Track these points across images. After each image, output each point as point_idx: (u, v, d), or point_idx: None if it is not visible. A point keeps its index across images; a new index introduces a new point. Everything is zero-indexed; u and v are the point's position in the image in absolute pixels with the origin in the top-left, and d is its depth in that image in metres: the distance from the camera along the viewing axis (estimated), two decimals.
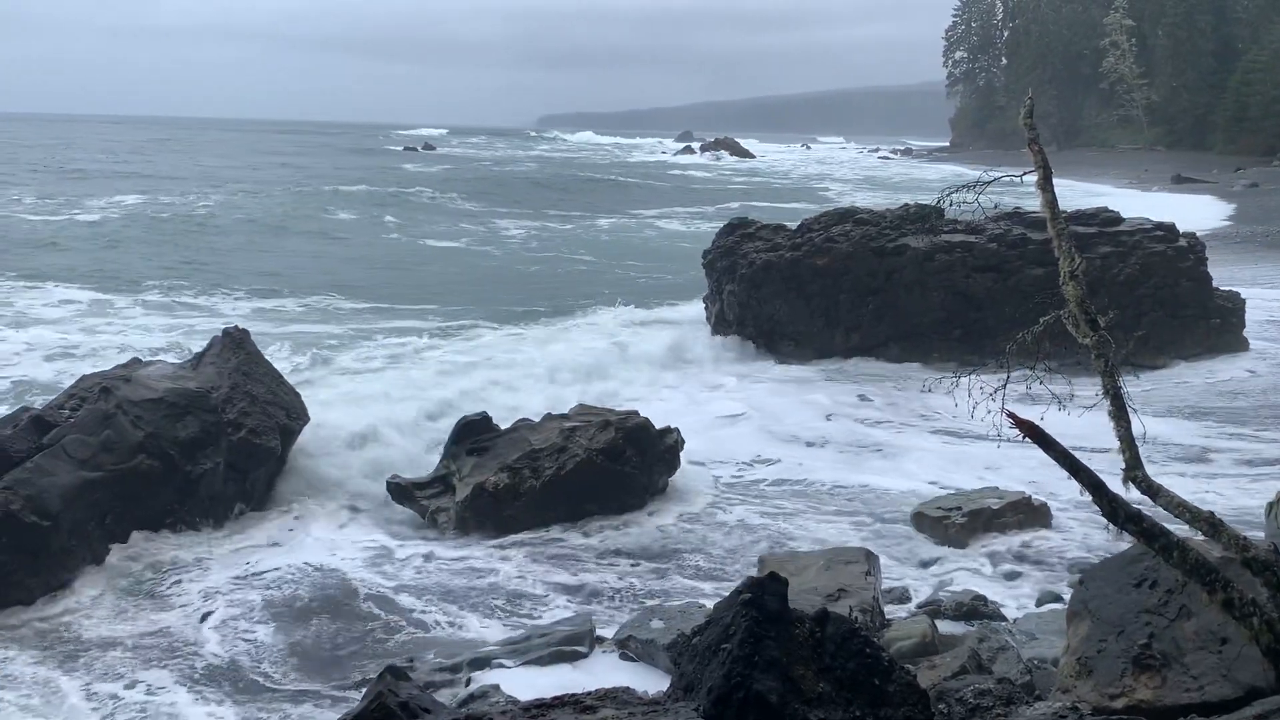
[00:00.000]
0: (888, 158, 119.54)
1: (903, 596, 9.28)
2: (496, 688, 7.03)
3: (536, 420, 12.37)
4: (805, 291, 18.73)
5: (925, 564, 10.08)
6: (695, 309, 21.13)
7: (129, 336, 19.26)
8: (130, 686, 7.82)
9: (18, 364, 16.93)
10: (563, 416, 12.41)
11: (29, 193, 45.45)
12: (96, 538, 10.21)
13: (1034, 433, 4.74)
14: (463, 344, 19.52)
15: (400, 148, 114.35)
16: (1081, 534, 10.34)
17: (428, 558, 10.32)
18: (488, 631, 8.75)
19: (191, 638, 8.59)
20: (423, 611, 9.09)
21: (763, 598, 3.91)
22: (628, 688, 4.01)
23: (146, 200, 43.39)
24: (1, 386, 15.46)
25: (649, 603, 9.10)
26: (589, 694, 3.88)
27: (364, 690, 4.96)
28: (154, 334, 19.57)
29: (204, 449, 11.27)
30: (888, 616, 8.42)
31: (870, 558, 9.20)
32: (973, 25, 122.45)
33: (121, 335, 19.37)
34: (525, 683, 7.12)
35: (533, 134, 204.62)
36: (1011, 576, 9.64)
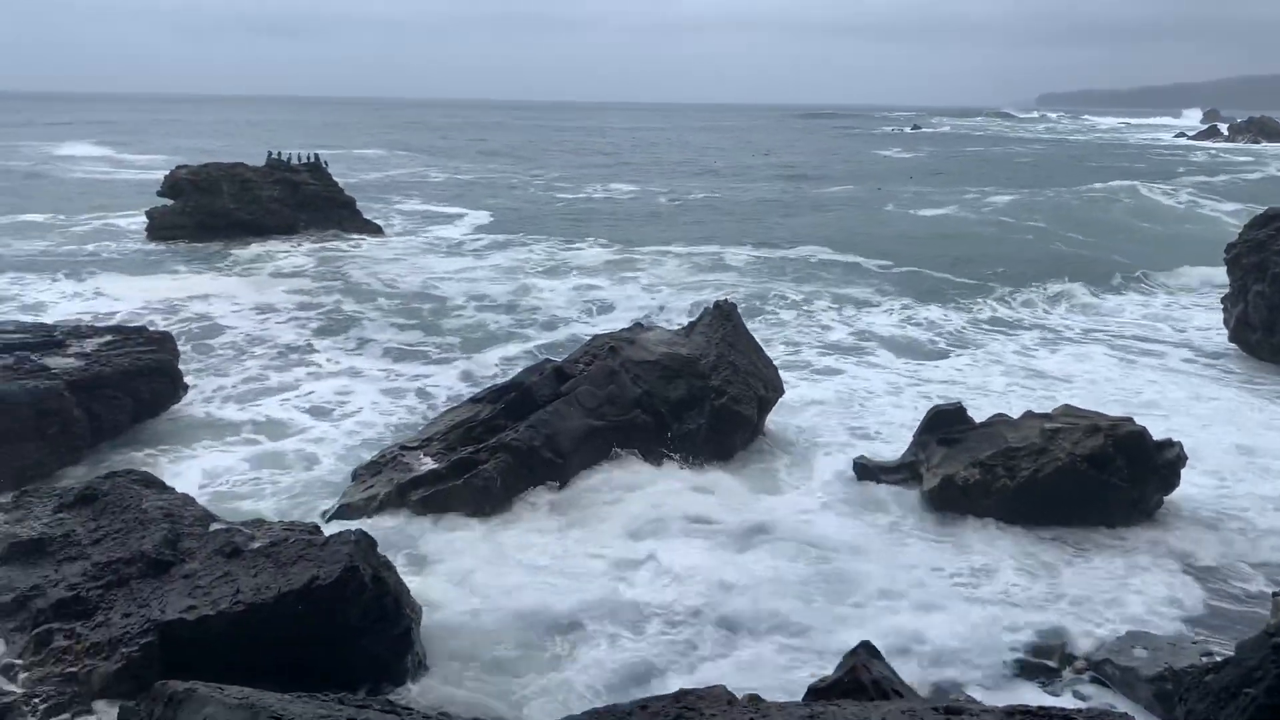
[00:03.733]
0: None
1: None
2: (957, 684, 6.84)
3: (1015, 417, 11.78)
4: None
5: None
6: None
7: None
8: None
9: None
10: (1045, 416, 11.67)
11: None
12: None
13: None
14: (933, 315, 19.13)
15: (892, 129, 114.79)
16: None
17: (893, 542, 10.24)
18: (947, 626, 8.51)
19: (673, 591, 9.21)
20: (885, 594, 9.05)
21: None
22: (1125, 714, 3.69)
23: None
24: None
25: (1131, 628, 8.29)
26: (1079, 711, 3.62)
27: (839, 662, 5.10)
28: None
29: (689, 410, 12.19)
30: None
31: None
32: None
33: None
34: (990, 685, 6.85)
35: (1033, 114, 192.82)
36: None
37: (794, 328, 19.22)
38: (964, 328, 19.57)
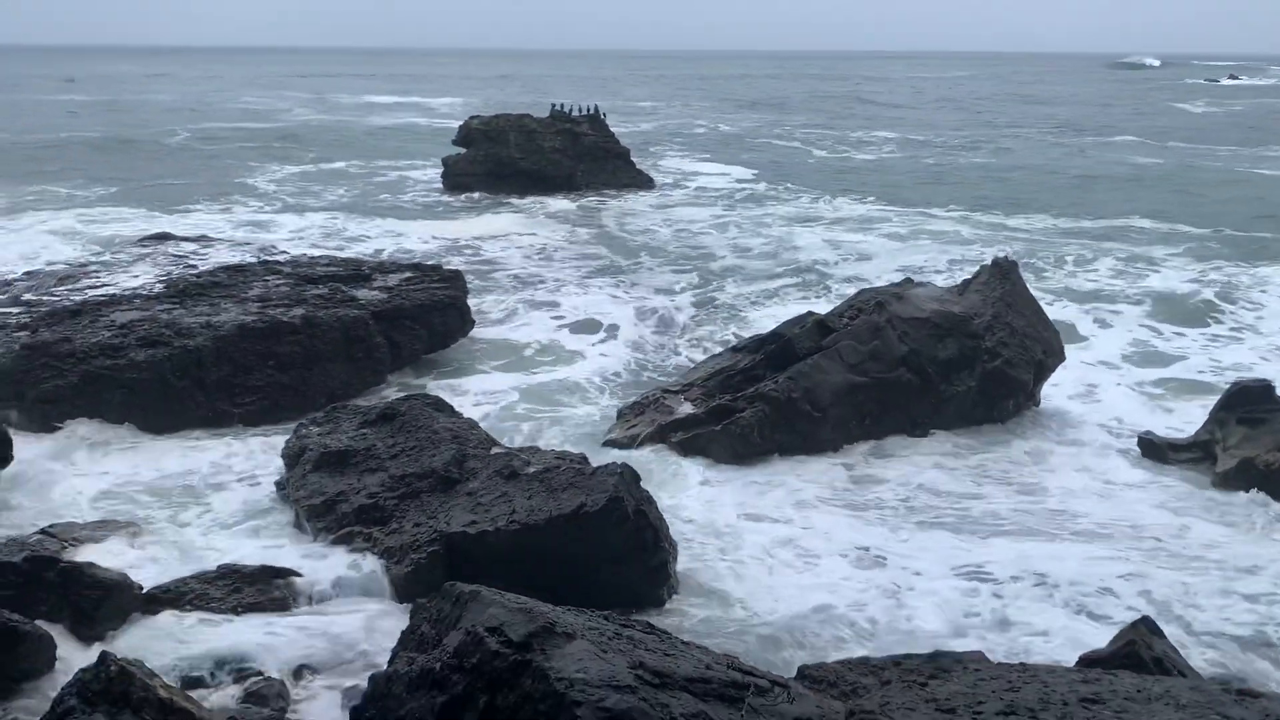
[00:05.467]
0: None
1: None
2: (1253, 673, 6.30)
3: None
4: None
5: None
6: None
7: None
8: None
9: None
10: None
11: None
12: (855, 434, 11.35)
13: None
14: None
15: (1205, 80, 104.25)
16: None
17: (1200, 529, 9.41)
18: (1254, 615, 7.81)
19: (929, 566, 8.95)
20: (1186, 579, 8.35)
21: None
22: None
23: None
24: None
25: None
26: None
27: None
28: None
29: (959, 371, 11.76)
30: None
31: None
32: None
33: None
34: None
35: None
36: None
37: (1074, 289, 18.02)
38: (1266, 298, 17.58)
